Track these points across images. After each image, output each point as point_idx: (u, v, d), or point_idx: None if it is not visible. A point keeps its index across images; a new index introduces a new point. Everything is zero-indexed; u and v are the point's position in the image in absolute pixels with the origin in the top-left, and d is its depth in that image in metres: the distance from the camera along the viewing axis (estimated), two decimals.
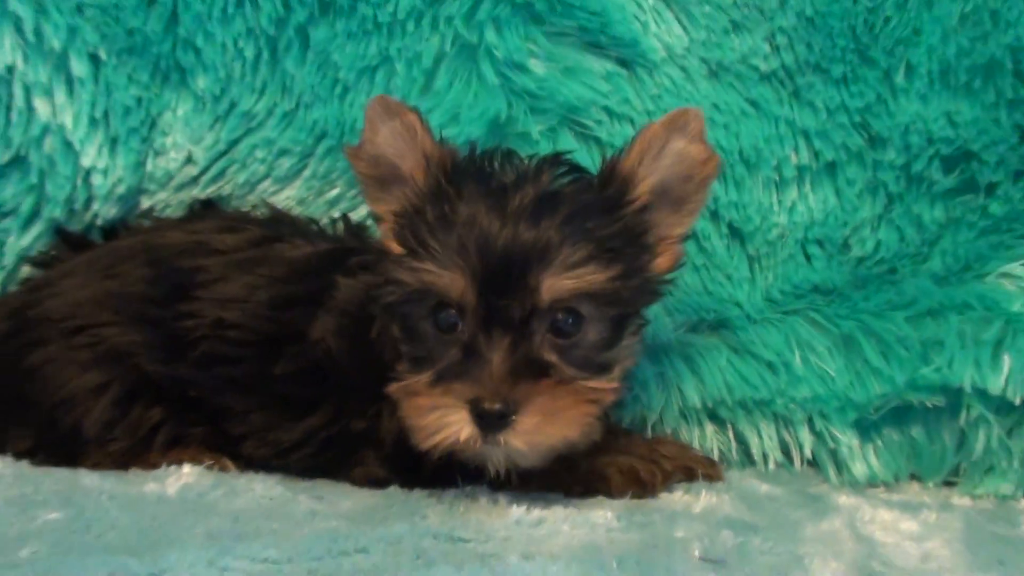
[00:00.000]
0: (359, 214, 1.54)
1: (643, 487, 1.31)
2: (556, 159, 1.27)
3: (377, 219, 1.27)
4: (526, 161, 1.26)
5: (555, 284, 1.15)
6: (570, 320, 1.18)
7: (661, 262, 1.27)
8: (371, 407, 1.29)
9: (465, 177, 1.22)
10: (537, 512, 1.19)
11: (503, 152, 1.28)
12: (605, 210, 1.21)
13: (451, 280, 1.15)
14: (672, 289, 1.35)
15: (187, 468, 1.31)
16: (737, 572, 1.07)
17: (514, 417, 1.12)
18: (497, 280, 1.15)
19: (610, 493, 1.29)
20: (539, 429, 1.13)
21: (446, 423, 1.13)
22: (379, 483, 1.30)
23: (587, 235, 1.17)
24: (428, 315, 1.19)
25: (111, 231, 1.51)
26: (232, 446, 1.37)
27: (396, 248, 1.22)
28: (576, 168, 1.27)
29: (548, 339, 1.17)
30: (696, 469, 1.40)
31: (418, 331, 1.21)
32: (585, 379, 1.18)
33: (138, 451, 1.36)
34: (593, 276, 1.16)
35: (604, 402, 1.21)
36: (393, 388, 1.20)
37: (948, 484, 1.49)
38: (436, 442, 1.15)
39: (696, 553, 1.11)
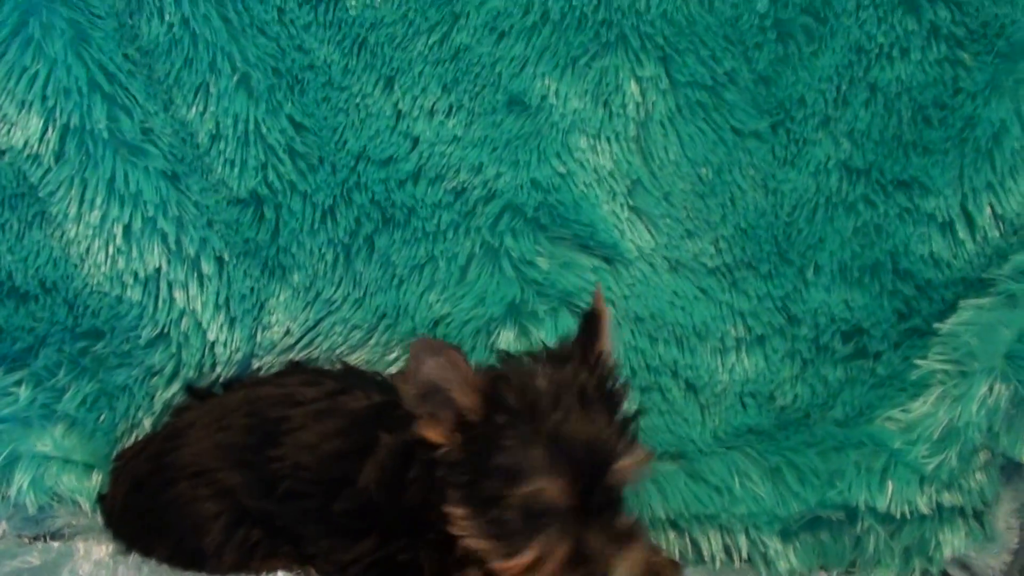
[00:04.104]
0: None
1: None
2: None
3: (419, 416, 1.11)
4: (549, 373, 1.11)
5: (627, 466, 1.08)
6: None
7: None
8: (410, 543, 1.18)
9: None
10: None
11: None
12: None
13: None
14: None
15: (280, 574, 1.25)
16: None
17: None
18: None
19: None
20: None
21: None
22: None
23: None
24: None
25: (229, 384, 1.45)
26: (310, 561, 1.28)
27: (438, 436, 1.10)
28: None
29: None
30: (663, 573, 1.30)
31: None
32: None
33: (243, 563, 1.29)
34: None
35: None
36: None
37: (848, 572, 1.42)
38: None
39: None
